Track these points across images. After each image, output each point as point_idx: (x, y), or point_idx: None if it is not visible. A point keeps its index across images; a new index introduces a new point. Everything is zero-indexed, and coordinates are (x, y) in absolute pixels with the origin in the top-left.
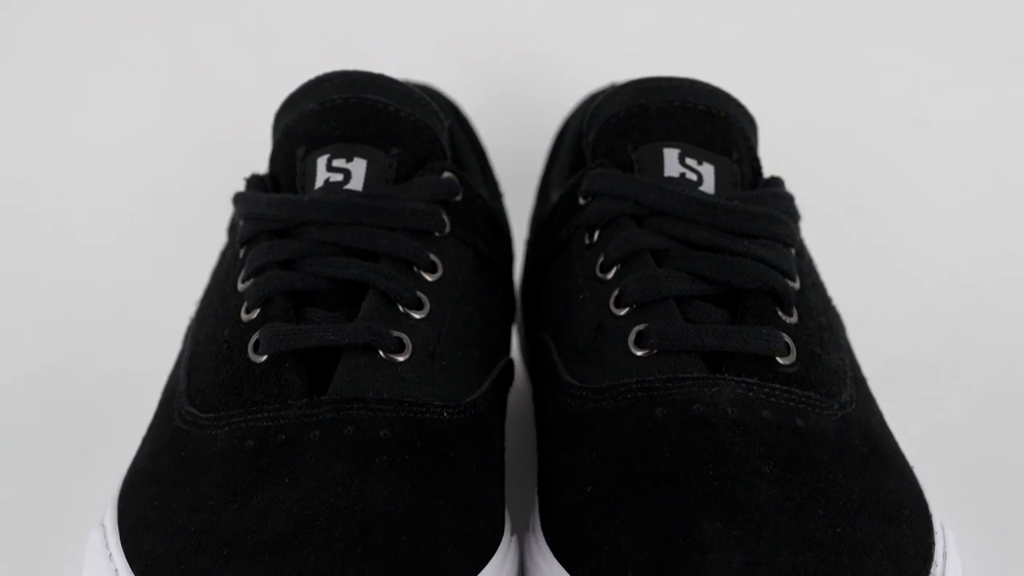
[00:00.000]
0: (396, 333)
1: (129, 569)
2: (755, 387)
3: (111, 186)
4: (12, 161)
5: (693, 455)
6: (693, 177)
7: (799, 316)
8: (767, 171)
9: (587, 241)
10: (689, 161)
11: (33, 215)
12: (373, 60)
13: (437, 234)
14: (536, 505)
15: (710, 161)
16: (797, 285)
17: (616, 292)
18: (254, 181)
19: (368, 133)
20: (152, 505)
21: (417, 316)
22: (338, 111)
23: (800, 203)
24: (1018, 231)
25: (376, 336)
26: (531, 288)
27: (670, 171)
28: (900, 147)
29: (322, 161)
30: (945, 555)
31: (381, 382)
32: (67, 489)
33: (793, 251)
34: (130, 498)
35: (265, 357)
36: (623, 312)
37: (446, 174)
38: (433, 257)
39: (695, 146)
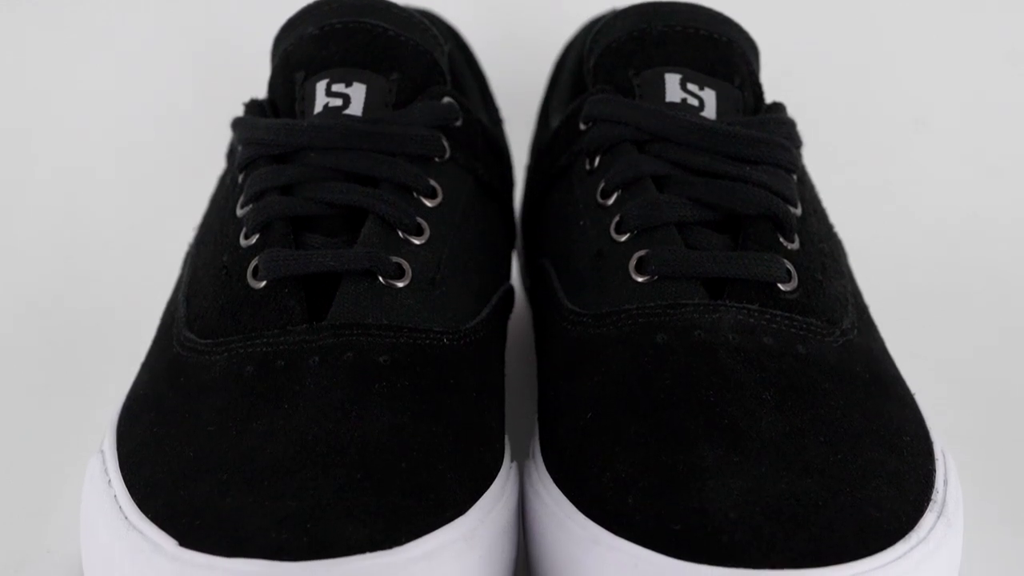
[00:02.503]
0: (396, 259)
1: (128, 495)
2: (756, 313)
3: (110, 112)
4: (11, 90)
5: (694, 382)
6: (694, 102)
7: (800, 242)
8: (769, 97)
9: (588, 167)
10: (691, 86)
11: (32, 142)
12: None
13: (437, 159)
14: (536, 431)
15: (712, 86)
16: (799, 211)
17: (617, 218)
18: (253, 106)
19: (367, 58)
20: (151, 431)
21: (417, 242)
22: (337, 35)
23: (802, 129)
24: (1022, 160)
25: (375, 262)
26: (531, 214)
27: (671, 96)
28: (904, 74)
29: (321, 86)
30: (946, 481)
31: (381, 308)
32: (66, 415)
33: (795, 177)
34: (129, 424)
35: (264, 283)
36: (624, 238)
37: (446, 99)
38: (433, 182)
39: (697, 71)
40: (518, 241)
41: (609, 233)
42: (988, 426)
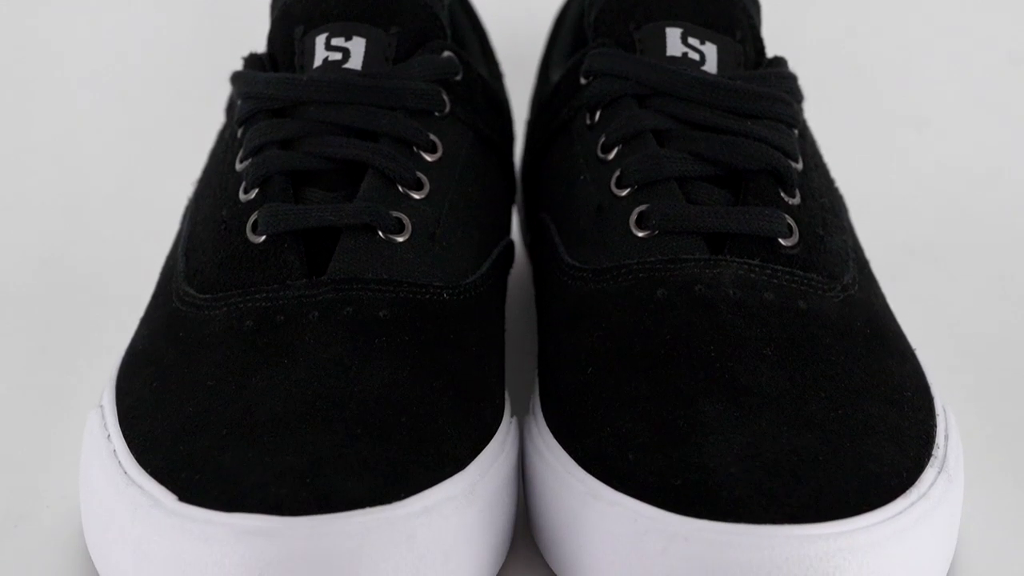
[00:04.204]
0: (395, 213)
1: (127, 449)
2: (757, 268)
3: (109, 65)
4: (8, 46)
5: (694, 336)
6: (696, 57)
7: (801, 197)
8: (770, 51)
9: (588, 121)
10: (692, 41)
11: (30, 95)
12: None
13: (437, 114)
14: (536, 387)
15: (713, 41)
16: (800, 166)
17: (617, 173)
18: (252, 60)
19: (367, 11)
20: (150, 386)
21: (417, 196)
22: None
23: (803, 84)
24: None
25: (375, 216)
26: (532, 169)
27: (672, 51)
28: (906, 27)
29: (320, 40)
30: (947, 437)
31: (380, 263)
32: (65, 370)
33: (796, 132)
34: (128, 379)
35: (264, 237)
36: (624, 193)
37: (446, 53)
38: (433, 137)
39: (698, 25)
40: (518, 196)
41: (609, 188)
42: (989, 381)
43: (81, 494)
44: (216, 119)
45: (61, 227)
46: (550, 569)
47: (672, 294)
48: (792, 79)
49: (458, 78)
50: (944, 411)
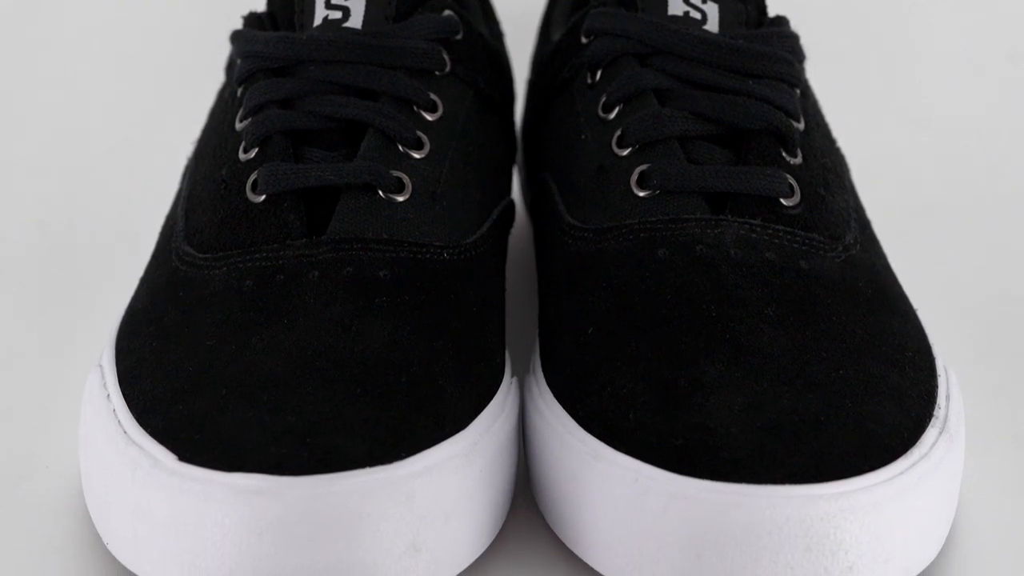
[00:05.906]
0: (396, 173)
1: (127, 409)
2: (758, 228)
3: (108, 26)
4: (10, 9)
5: (695, 296)
6: (697, 16)
7: (803, 157)
8: (772, 10)
9: (589, 81)
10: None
11: (30, 55)
12: None
13: (437, 73)
14: (537, 347)
15: (714, 0)
16: (801, 126)
17: (618, 132)
18: (252, 19)
19: None
20: (150, 346)
21: (417, 156)
22: None
23: (805, 43)
24: None
25: (375, 176)
26: (532, 129)
27: (674, 9)
28: None
29: None
30: (948, 397)
31: (381, 222)
32: (65, 330)
33: (798, 91)
34: (128, 339)
35: (263, 197)
36: (625, 152)
37: (446, 12)
38: (433, 96)
39: None
40: (519, 156)
41: (611, 147)
42: (990, 342)
43: (81, 454)
44: (215, 78)
45: (60, 186)
46: (551, 529)
47: (673, 254)
48: (794, 38)
49: (459, 37)
50: (945, 371)
